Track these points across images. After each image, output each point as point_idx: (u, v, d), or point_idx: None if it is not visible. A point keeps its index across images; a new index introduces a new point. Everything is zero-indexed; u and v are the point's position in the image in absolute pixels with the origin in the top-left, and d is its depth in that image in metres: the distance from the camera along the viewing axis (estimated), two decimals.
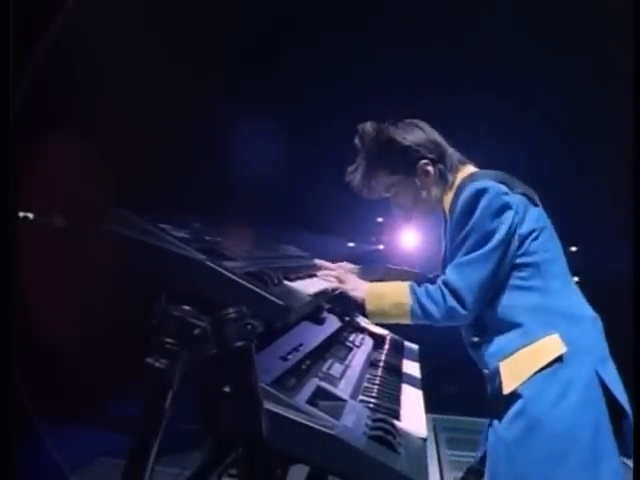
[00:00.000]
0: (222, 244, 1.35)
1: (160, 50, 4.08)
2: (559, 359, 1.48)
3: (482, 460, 1.64)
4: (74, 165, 3.74)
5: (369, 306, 1.66)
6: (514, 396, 1.49)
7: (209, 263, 1.11)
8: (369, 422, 1.27)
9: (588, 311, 1.61)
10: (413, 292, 1.60)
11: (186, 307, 1.07)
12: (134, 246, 1.11)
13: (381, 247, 6.37)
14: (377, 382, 1.64)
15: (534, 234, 1.57)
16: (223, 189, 4.87)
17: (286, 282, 1.32)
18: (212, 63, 4.48)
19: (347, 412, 1.27)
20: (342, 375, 1.55)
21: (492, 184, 1.58)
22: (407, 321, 1.62)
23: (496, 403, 1.55)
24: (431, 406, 1.71)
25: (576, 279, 1.73)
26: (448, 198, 1.69)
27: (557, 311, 1.55)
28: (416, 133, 1.72)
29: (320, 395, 1.32)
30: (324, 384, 1.39)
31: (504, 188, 1.59)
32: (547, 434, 1.43)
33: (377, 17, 4.40)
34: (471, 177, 1.66)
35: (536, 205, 1.65)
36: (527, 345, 1.52)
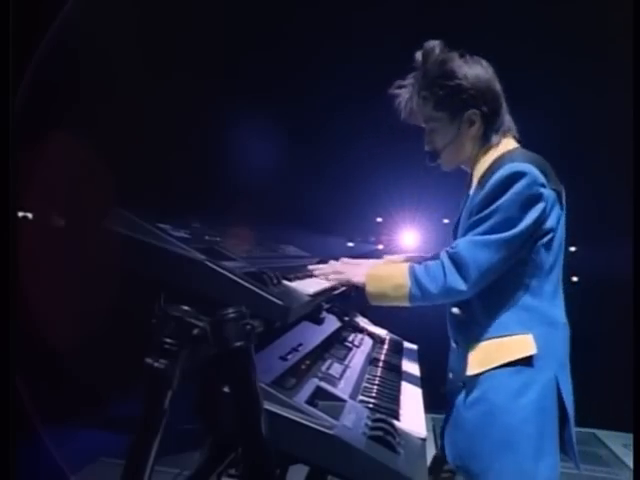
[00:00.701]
0: (222, 244, 1.36)
1: (160, 49, 4.08)
2: (526, 359, 1.51)
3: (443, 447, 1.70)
4: (74, 165, 3.74)
5: (369, 288, 1.60)
6: (476, 382, 1.54)
7: (209, 263, 1.11)
8: (368, 422, 1.27)
9: (563, 317, 1.61)
10: (412, 274, 1.55)
11: (185, 307, 1.07)
12: (134, 246, 1.11)
13: (380, 247, 6.37)
14: (376, 382, 1.64)
15: (550, 235, 1.54)
16: (223, 189, 4.87)
17: (285, 282, 1.32)
18: (212, 62, 4.48)
19: (346, 412, 1.27)
20: (341, 375, 1.55)
21: (532, 169, 1.50)
22: (406, 304, 1.58)
23: (456, 376, 1.64)
24: (431, 406, 1.71)
25: (575, 279, 1.73)
26: (482, 164, 1.61)
27: (540, 314, 1.55)
28: (480, 76, 1.59)
29: (319, 395, 1.32)
30: (323, 384, 1.39)
31: (542, 179, 1.50)
32: (501, 422, 1.51)
33: (377, 17, 4.40)
34: (512, 155, 1.57)
35: (561, 205, 1.59)
36: (501, 337, 1.54)
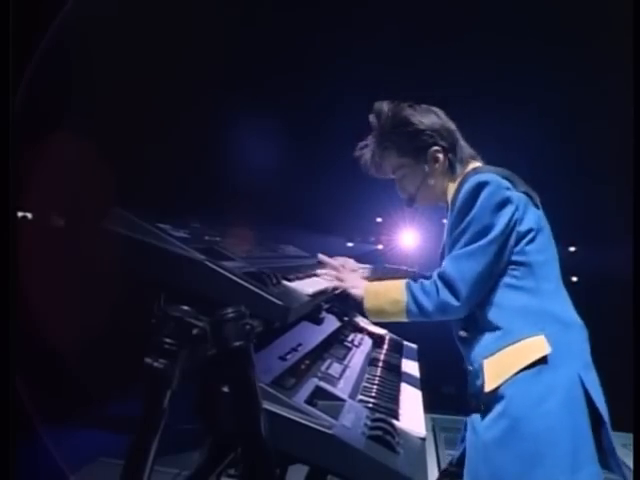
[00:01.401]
0: (221, 244, 1.36)
1: (160, 49, 4.08)
2: (543, 360, 1.47)
3: (458, 461, 1.64)
4: (74, 165, 3.75)
5: (367, 304, 1.65)
6: (496, 396, 1.48)
7: (208, 263, 1.11)
8: (368, 422, 1.27)
9: (576, 317, 1.60)
10: (409, 289, 1.59)
11: (185, 307, 1.07)
12: (134, 246, 1.11)
13: (380, 247, 6.37)
14: (376, 382, 1.64)
15: (531, 234, 1.56)
16: (223, 189, 4.87)
17: (285, 282, 1.32)
18: (212, 62, 4.48)
19: (346, 412, 1.27)
20: (341, 375, 1.55)
21: (494, 177, 1.57)
22: (404, 319, 1.61)
23: (477, 401, 1.55)
24: (430, 405, 1.71)
25: (574, 279, 1.73)
26: (452, 189, 1.68)
27: (546, 313, 1.53)
28: (432, 119, 1.71)
29: (319, 395, 1.32)
30: (323, 384, 1.39)
31: (506, 183, 1.58)
32: (525, 433, 1.41)
33: (377, 17, 4.40)
34: (475, 170, 1.66)
35: (536, 206, 1.64)
36: (512, 343, 1.51)
